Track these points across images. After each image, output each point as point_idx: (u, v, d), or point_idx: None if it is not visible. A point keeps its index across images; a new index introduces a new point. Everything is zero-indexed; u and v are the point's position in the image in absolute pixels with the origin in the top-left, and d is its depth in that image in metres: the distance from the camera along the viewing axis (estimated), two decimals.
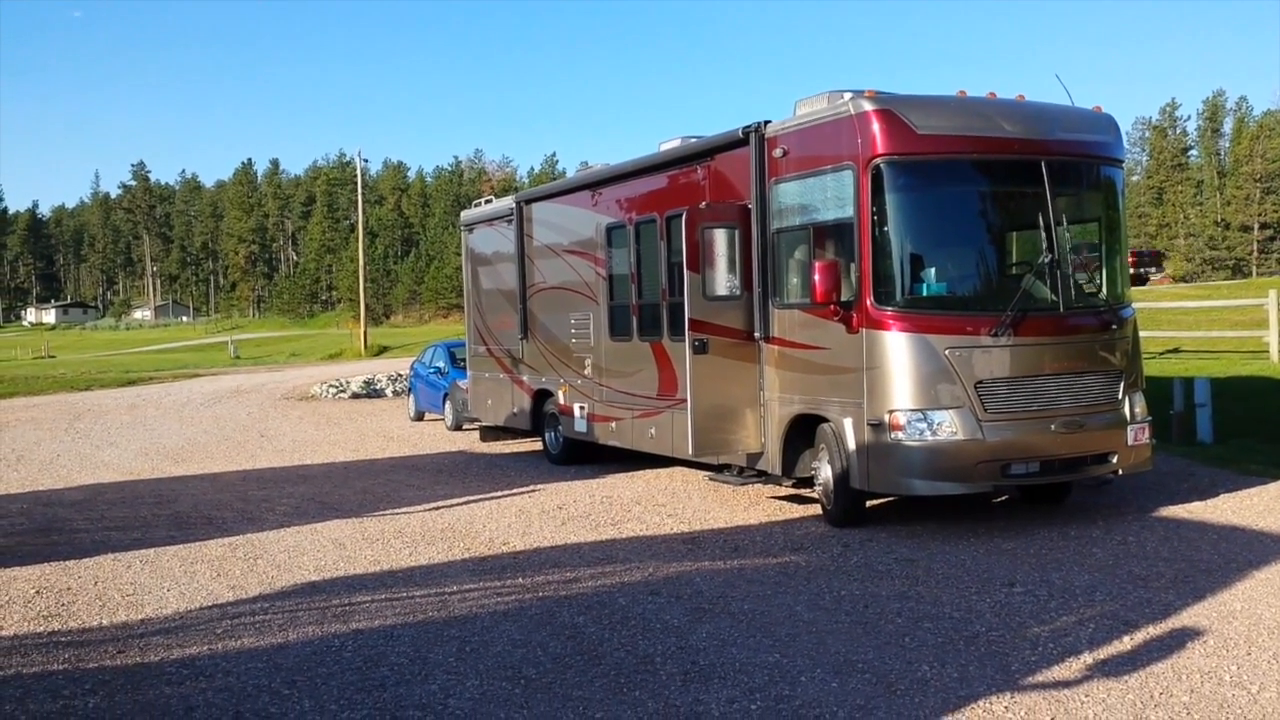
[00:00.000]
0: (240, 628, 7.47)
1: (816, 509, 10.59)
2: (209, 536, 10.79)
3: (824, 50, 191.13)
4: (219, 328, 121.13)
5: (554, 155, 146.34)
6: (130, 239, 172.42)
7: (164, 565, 9.57)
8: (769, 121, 10.63)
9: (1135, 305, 10.80)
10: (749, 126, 10.70)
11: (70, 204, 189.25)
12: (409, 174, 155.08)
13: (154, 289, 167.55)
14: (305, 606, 7.99)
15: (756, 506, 11.34)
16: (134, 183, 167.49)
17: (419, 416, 23.02)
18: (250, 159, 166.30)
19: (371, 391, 30.46)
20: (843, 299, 9.53)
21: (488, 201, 17.82)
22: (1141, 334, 10.64)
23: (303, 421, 23.64)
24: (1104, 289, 10.30)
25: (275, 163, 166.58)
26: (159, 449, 19.24)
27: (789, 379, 10.45)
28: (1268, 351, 19.84)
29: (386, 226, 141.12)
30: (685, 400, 10.97)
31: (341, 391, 30.18)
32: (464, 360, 19.12)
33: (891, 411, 9.23)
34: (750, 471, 11.27)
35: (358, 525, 11.13)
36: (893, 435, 9.24)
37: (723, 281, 10.83)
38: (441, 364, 21.99)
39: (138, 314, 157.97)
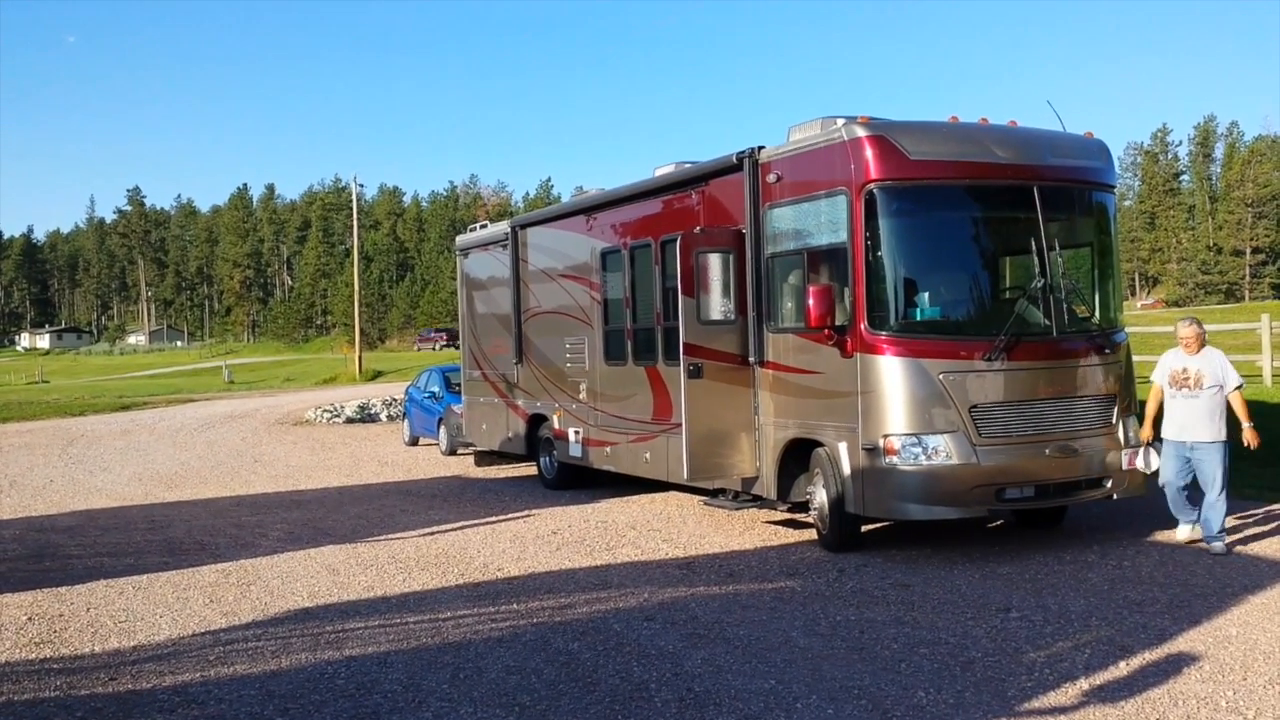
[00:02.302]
0: (233, 654, 7.43)
1: (812, 534, 10.57)
2: (202, 562, 10.74)
3: (818, 76, 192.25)
4: (213, 352, 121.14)
5: (549, 180, 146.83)
6: (125, 264, 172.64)
7: (157, 591, 9.52)
8: (763, 147, 10.67)
9: (1129, 330, 10.83)
10: (743, 152, 10.74)
11: (65, 229, 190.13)
12: (404, 199, 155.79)
13: (148, 314, 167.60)
14: (298, 633, 7.95)
15: (751, 531, 11.32)
16: (129, 207, 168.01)
17: (413, 441, 23.00)
18: (246, 184, 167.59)
19: (366, 416, 30.44)
20: (837, 323, 9.54)
21: (483, 226, 17.85)
22: (1135, 358, 10.65)
23: (296, 446, 23.60)
24: (1097, 313, 10.34)
25: (271, 188, 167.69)
26: (152, 474, 19.19)
27: (784, 403, 10.46)
28: (1261, 376, 19.88)
29: (382, 251, 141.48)
30: (680, 425, 10.97)
31: (336, 416, 30.15)
32: (459, 385, 19.11)
33: (886, 436, 9.23)
34: (745, 496, 11.25)
35: (351, 551, 11.10)
36: (887, 460, 9.24)
37: (717, 306, 10.85)
38: (436, 389, 21.97)
39: (132, 339, 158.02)
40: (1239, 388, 9.67)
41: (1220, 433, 9.55)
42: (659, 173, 12.70)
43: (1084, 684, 6.22)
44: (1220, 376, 9.57)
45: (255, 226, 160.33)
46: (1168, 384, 9.74)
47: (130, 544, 12.05)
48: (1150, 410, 9.91)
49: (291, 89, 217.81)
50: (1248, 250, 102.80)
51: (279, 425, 29.31)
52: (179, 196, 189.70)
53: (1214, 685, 6.14)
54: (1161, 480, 9.75)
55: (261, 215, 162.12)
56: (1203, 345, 9.70)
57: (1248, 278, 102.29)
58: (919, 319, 9.57)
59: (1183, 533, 9.84)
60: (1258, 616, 7.47)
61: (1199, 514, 9.68)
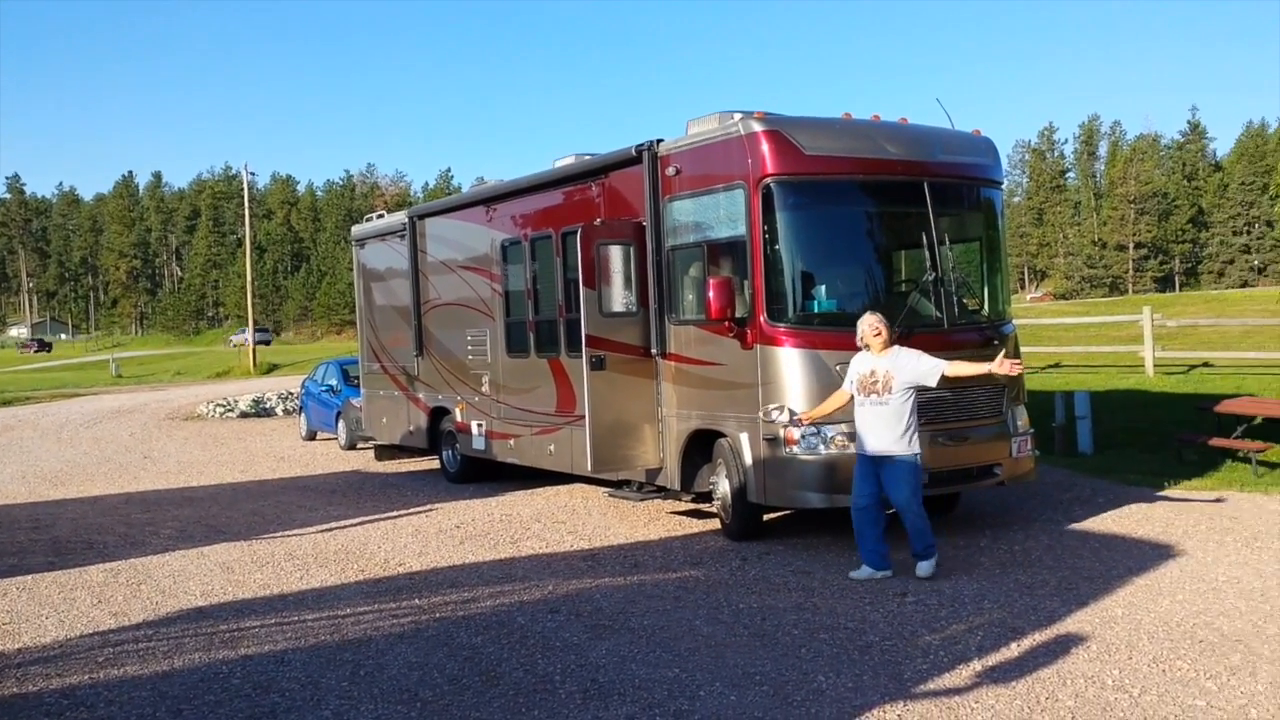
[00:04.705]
0: (123, 656, 7.22)
1: (715, 523, 10.67)
2: (89, 562, 10.41)
3: (717, 72, 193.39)
4: (100, 345, 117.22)
5: (449, 171, 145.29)
6: (4, 254, 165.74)
7: (42, 592, 9.20)
8: (661, 140, 10.71)
9: (1016, 322, 11.13)
10: (642, 145, 10.75)
11: None
12: (298, 187, 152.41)
13: (30, 306, 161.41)
14: (192, 633, 7.76)
15: (656, 522, 11.38)
16: (8, 195, 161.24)
17: (311, 436, 22.58)
18: (131, 171, 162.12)
19: (261, 410, 29.78)
20: (737, 316, 9.63)
21: (380, 216, 17.59)
22: (1023, 350, 10.93)
23: (188, 442, 22.99)
24: (986, 306, 10.61)
25: (158, 175, 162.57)
26: (36, 472, 18.52)
27: (686, 395, 10.52)
28: (1143, 366, 20.63)
29: (275, 241, 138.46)
30: (583, 417, 10.96)
31: (229, 411, 29.43)
32: (357, 378, 18.83)
33: (786, 426, 9.35)
34: (649, 487, 11.30)
35: (247, 548, 10.86)
36: (787, 449, 9.36)
37: (619, 298, 10.87)
38: (334, 382, 21.60)
39: (14, 332, 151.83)
40: (946, 367, 8.43)
41: (914, 444, 8.39)
42: (559, 164, 12.65)
43: (977, 665, 6.40)
44: (913, 376, 8.35)
45: (142, 215, 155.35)
46: (856, 390, 8.51)
47: (13, 544, 11.62)
48: (823, 408, 8.86)
49: (178, 73, 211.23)
50: (1130, 245, 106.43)
51: (169, 420, 28.51)
52: (61, 184, 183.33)
53: (1101, 664, 6.36)
54: (853, 503, 8.62)
55: (148, 204, 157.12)
56: (889, 343, 8.50)
57: (1131, 272, 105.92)
58: (816, 311, 9.71)
59: (861, 573, 8.54)
60: (1142, 597, 7.75)
61: (886, 560, 8.53)
